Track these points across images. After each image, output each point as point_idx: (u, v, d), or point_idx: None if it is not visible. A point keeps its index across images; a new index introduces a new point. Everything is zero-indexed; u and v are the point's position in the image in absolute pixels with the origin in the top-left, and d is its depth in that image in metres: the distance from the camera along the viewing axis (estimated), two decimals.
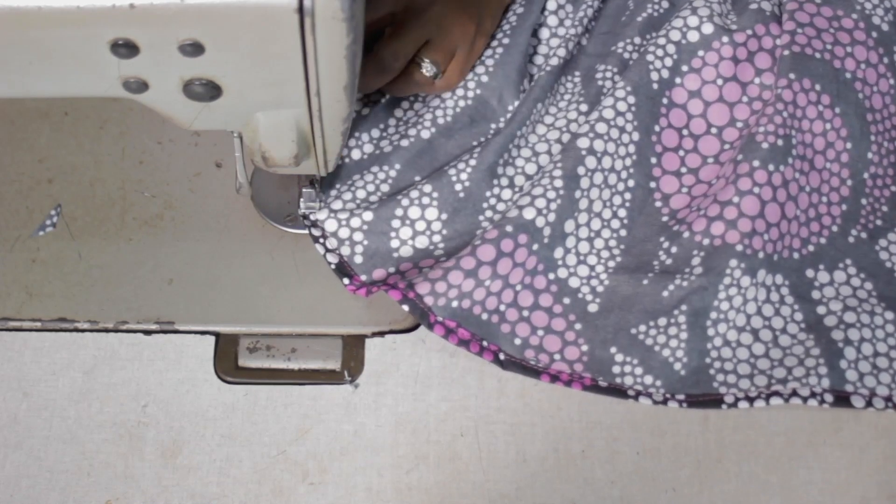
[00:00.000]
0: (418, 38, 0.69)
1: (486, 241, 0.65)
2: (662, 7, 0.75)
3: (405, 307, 0.64)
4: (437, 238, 0.68)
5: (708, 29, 0.72)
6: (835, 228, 0.69)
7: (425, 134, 0.71)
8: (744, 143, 0.69)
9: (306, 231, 0.69)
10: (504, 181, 0.70)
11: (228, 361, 0.66)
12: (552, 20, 0.75)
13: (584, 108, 0.72)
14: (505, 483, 0.62)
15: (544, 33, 0.75)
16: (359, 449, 0.63)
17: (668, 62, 0.72)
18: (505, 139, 0.70)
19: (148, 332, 0.67)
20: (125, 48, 0.47)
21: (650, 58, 0.72)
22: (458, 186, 0.69)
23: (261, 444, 0.63)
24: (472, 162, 0.69)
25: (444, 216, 0.68)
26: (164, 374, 0.65)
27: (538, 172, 0.70)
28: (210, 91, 0.50)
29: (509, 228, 0.65)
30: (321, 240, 0.67)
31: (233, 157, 0.64)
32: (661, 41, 0.72)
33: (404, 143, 0.71)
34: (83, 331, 0.67)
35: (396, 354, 0.66)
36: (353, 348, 0.66)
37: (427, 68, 0.69)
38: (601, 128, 0.69)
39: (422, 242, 0.68)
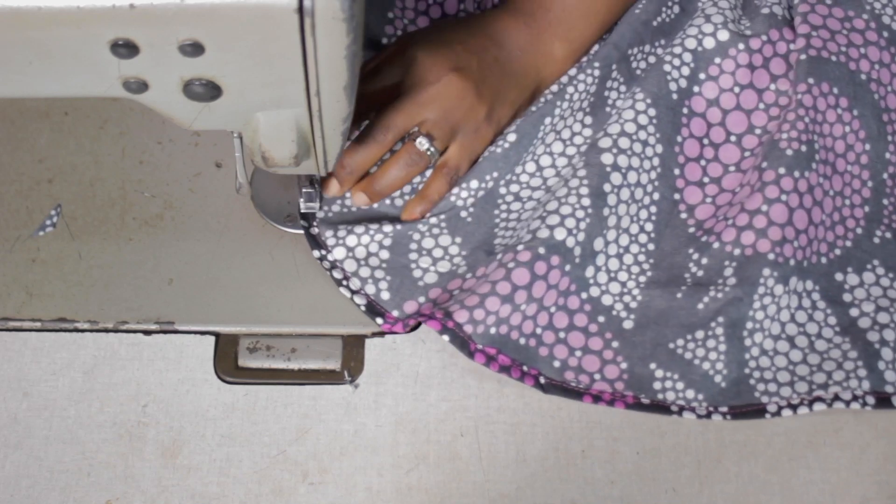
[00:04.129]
0: (415, 113, 0.67)
1: (519, 264, 0.65)
2: (674, 12, 0.74)
3: (445, 337, 0.64)
4: (457, 259, 0.68)
5: (723, 36, 0.72)
6: (859, 230, 0.69)
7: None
8: (767, 150, 0.68)
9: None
10: (509, 197, 0.70)
11: (228, 361, 0.66)
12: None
13: (588, 120, 0.71)
14: (505, 483, 0.62)
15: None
16: (359, 449, 0.63)
17: (686, 71, 0.71)
18: (508, 164, 0.69)
19: (148, 332, 0.67)
20: (125, 48, 0.47)
21: (667, 67, 0.71)
22: (464, 213, 0.69)
23: (261, 444, 0.63)
24: (473, 184, 0.69)
25: (458, 240, 0.68)
26: (164, 374, 0.65)
27: (542, 186, 0.69)
28: (210, 91, 0.50)
29: (542, 250, 0.65)
30: (344, 282, 0.67)
31: (233, 157, 0.64)
32: (677, 49, 0.72)
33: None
34: (83, 331, 0.67)
35: (396, 354, 0.66)
36: (353, 348, 0.66)
37: (421, 143, 0.67)
38: (624, 142, 0.69)
39: (444, 266, 0.67)
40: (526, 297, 0.64)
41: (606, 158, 0.68)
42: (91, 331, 0.67)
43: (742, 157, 0.71)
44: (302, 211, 0.69)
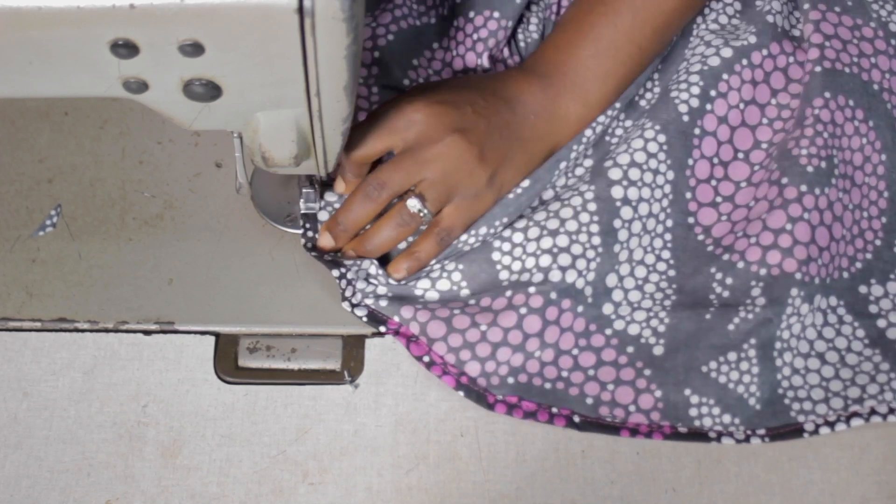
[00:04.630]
0: (413, 172, 0.65)
1: (532, 310, 0.64)
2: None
3: (461, 392, 0.63)
4: (456, 276, 0.66)
5: (727, 52, 0.71)
6: (878, 242, 0.69)
7: None
8: (787, 165, 0.67)
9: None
10: (510, 233, 0.67)
11: (228, 361, 0.66)
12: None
13: (588, 162, 0.70)
14: (505, 483, 0.62)
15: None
16: (359, 449, 0.63)
17: (696, 90, 0.70)
18: (519, 209, 0.68)
19: (148, 332, 0.67)
20: (125, 48, 0.47)
21: (674, 93, 0.70)
22: (466, 248, 0.67)
23: (261, 444, 0.63)
24: (482, 231, 0.67)
25: (461, 266, 0.66)
26: (164, 374, 0.65)
27: (546, 217, 0.67)
28: (210, 91, 0.50)
29: (553, 295, 0.64)
30: (346, 293, 0.66)
31: (233, 157, 0.64)
32: (682, 75, 0.71)
33: None
34: (83, 331, 0.67)
35: (396, 354, 0.66)
36: (353, 348, 0.66)
37: (413, 205, 0.65)
38: (634, 174, 0.67)
39: (443, 285, 0.66)
40: (538, 344, 0.64)
41: (617, 192, 0.67)
42: (91, 331, 0.67)
43: (752, 172, 0.70)
44: (302, 211, 0.69)
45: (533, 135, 0.68)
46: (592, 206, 0.66)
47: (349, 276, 0.67)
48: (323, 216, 0.68)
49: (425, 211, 0.65)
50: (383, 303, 0.66)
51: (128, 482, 0.62)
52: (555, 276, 0.65)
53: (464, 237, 0.67)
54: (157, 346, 0.66)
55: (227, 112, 0.53)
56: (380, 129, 0.65)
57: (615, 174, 0.67)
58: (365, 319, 0.65)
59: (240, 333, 0.67)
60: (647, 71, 0.72)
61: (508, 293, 0.65)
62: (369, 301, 0.66)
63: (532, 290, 0.65)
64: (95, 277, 0.68)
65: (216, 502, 0.61)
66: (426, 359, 0.64)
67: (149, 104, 0.52)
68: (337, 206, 0.69)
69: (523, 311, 0.64)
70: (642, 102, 0.72)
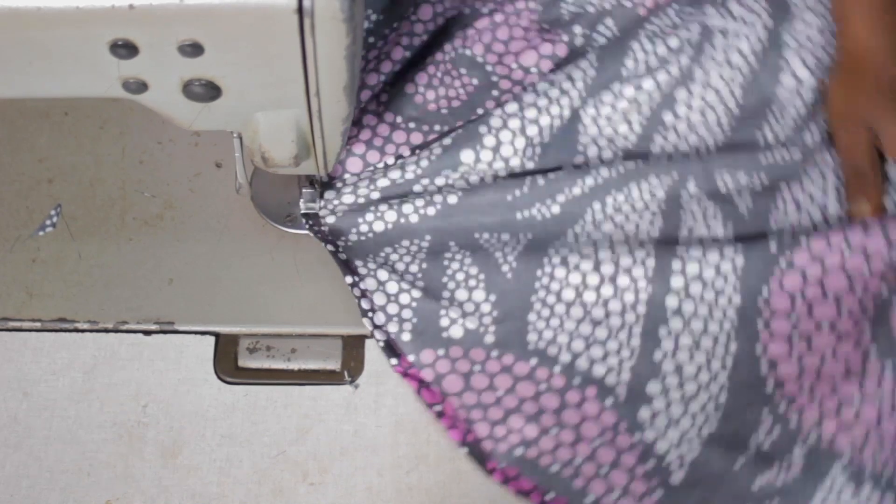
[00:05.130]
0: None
1: (552, 389, 0.62)
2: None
3: (464, 450, 0.62)
4: (487, 320, 0.64)
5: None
6: None
7: (452, 199, 0.68)
8: (881, 334, 0.62)
9: (306, 231, 0.69)
10: (556, 259, 0.65)
11: (228, 361, 0.66)
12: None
13: (657, 225, 0.66)
14: None
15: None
16: (359, 449, 0.63)
17: (793, 216, 0.65)
18: (559, 225, 0.67)
19: (148, 332, 0.67)
20: (125, 48, 0.47)
21: (772, 217, 0.66)
22: (506, 268, 0.65)
23: (261, 444, 0.63)
24: (520, 246, 0.66)
25: (492, 297, 0.65)
26: (164, 374, 0.65)
27: (594, 255, 0.65)
28: (210, 91, 0.50)
29: (576, 381, 0.63)
30: (370, 314, 0.65)
31: (233, 157, 0.64)
32: (784, 193, 0.67)
33: (430, 210, 0.68)
34: (83, 331, 0.67)
35: None
36: (353, 348, 0.66)
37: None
38: (695, 288, 0.64)
39: (472, 323, 0.64)
40: (555, 421, 0.62)
41: (671, 301, 0.64)
42: (91, 331, 0.67)
43: (837, 317, 0.63)
44: (302, 211, 0.69)
45: None
46: (642, 309, 0.64)
47: (362, 285, 0.66)
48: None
49: None
50: (406, 337, 0.64)
51: (128, 482, 0.62)
52: (582, 364, 0.63)
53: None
54: (157, 346, 0.66)
55: (227, 112, 0.53)
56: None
57: (676, 283, 0.64)
58: (381, 346, 0.64)
59: (240, 333, 0.67)
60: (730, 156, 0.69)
61: (533, 361, 0.63)
62: (392, 329, 0.64)
63: (557, 369, 0.63)
64: (95, 277, 0.68)
65: (216, 502, 0.61)
66: (438, 408, 0.63)
67: (149, 104, 0.52)
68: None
69: (543, 387, 0.63)
70: (724, 190, 0.68)
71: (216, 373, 0.66)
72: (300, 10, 0.45)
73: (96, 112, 0.75)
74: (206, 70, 0.49)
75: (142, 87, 0.50)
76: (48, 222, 0.70)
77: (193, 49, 0.47)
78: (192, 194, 0.72)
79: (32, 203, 0.71)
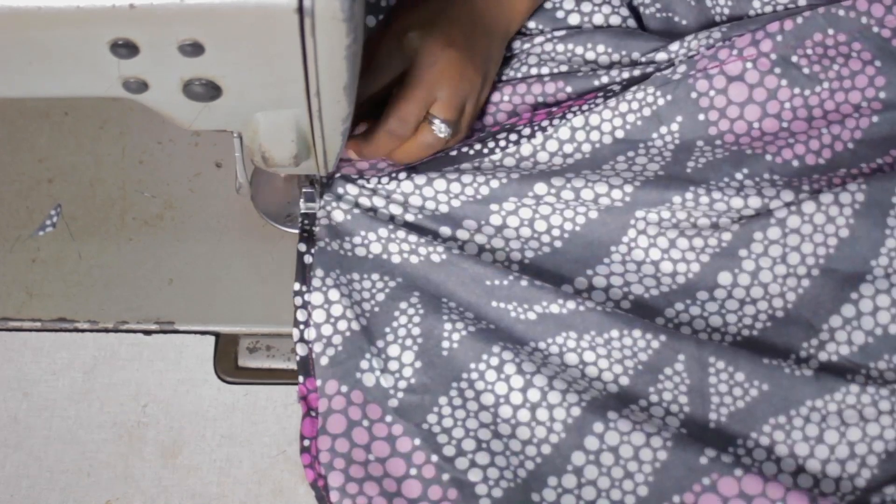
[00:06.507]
0: (427, 99, 0.65)
1: (419, 476, 0.60)
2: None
3: (313, 492, 0.60)
4: (401, 384, 0.63)
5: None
6: None
7: (436, 258, 0.66)
8: None
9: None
10: (494, 361, 0.63)
11: (228, 361, 0.66)
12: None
13: (625, 381, 0.63)
14: None
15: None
16: None
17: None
18: (527, 332, 0.64)
19: (148, 332, 0.67)
20: (125, 48, 0.47)
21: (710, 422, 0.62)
22: (446, 344, 0.63)
23: (261, 444, 0.63)
24: (473, 330, 0.64)
25: (418, 364, 0.63)
26: (164, 374, 0.65)
27: (529, 377, 0.62)
28: (210, 91, 0.50)
29: (445, 477, 0.60)
30: (301, 326, 0.64)
31: (233, 157, 0.64)
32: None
33: (413, 259, 0.66)
34: (83, 331, 0.67)
35: None
36: None
37: (440, 129, 0.66)
38: (606, 459, 0.60)
39: (387, 381, 0.63)
40: None
41: (577, 458, 0.60)
42: (91, 331, 0.67)
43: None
44: (302, 211, 0.69)
45: (493, 24, 0.69)
46: (546, 451, 0.61)
47: (307, 297, 0.64)
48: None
49: (449, 130, 0.67)
50: (324, 361, 0.63)
51: (128, 482, 0.62)
52: (461, 463, 0.60)
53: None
54: (157, 346, 0.66)
55: (227, 112, 0.53)
56: (382, 67, 0.67)
57: (590, 444, 0.60)
58: (297, 359, 0.63)
59: (240, 333, 0.67)
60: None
61: (417, 441, 0.61)
62: (316, 349, 0.63)
63: (434, 458, 0.61)
64: (95, 277, 0.68)
65: (216, 502, 0.61)
66: (307, 443, 0.61)
67: (149, 104, 0.52)
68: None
69: (413, 471, 0.60)
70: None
71: (216, 373, 0.66)
72: (300, 9, 0.45)
73: (96, 112, 0.75)
74: (207, 70, 0.49)
75: (142, 86, 0.50)
76: (48, 222, 0.70)
77: (194, 49, 0.47)
78: (192, 194, 0.72)
79: (32, 203, 0.71)
